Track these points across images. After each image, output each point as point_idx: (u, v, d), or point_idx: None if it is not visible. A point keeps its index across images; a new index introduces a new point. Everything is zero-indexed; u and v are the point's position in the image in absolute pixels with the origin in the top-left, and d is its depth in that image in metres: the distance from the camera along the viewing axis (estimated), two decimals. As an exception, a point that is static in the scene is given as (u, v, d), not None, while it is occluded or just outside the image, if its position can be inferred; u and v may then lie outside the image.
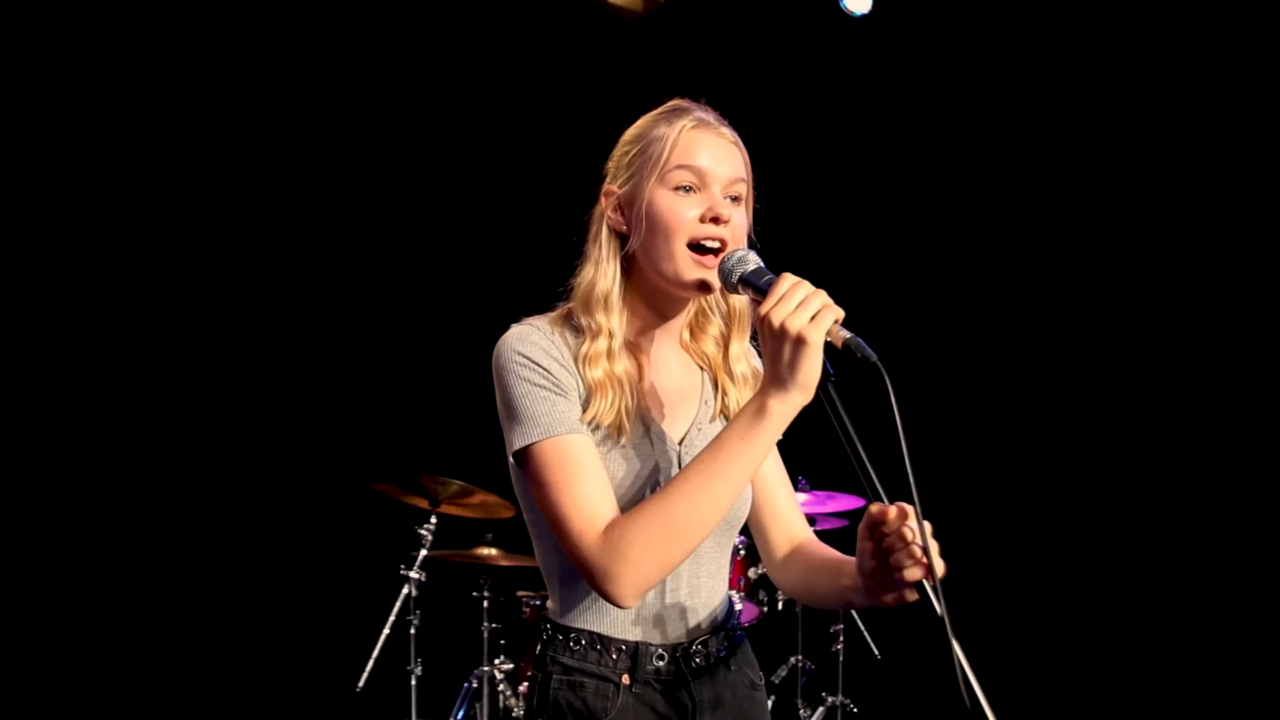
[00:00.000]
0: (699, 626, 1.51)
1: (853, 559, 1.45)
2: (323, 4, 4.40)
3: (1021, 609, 4.61)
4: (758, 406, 1.25)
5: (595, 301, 1.45)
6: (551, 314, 1.51)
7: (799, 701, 4.12)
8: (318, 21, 4.40)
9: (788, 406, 1.24)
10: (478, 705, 3.79)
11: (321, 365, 4.55)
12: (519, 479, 1.47)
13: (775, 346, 1.22)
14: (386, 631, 3.75)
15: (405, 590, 3.78)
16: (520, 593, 3.82)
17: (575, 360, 1.43)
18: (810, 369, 1.20)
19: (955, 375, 4.84)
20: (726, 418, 1.58)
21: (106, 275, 4.23)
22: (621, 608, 1.34)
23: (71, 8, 4.00)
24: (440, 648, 3.97)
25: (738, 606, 3.69)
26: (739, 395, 1.57)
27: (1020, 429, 4.77)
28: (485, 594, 3.84)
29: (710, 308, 1.60)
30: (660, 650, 1.47)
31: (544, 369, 1.39)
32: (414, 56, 4.56)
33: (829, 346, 1.21)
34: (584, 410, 1.40)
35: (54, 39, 3.98)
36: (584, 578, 1.32)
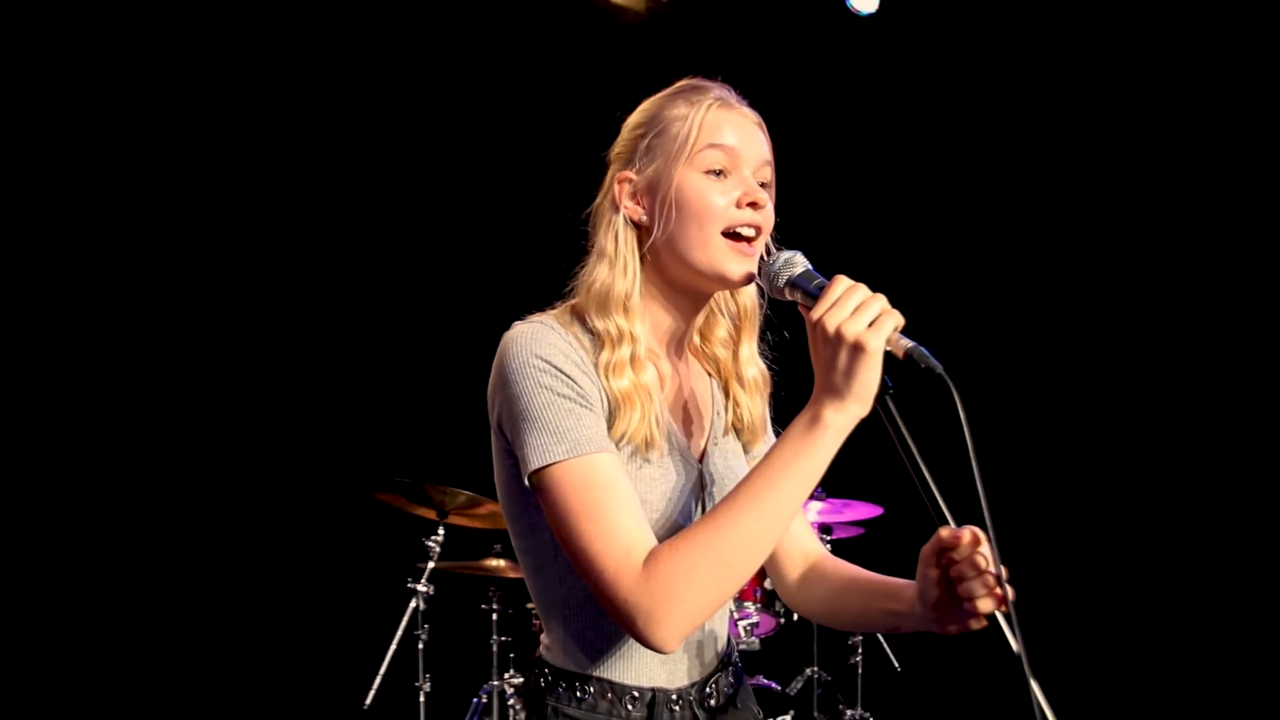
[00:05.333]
0: (710, 662, 1.39)
1: (894, 580, 1.35)
2: (326, 5, 4.33)
3: (1085, 628, 4.49)
4: (811, 418, 1.14)
5: (614, 303, 1.30)
6: (555, 312, 1.35)
7: (816, 714, 4.02)
8: (319, 22, 4.34)
9: (845, 418, 1.12)
10: (487, 720, 3.70)
11: (326, 374, 4.47)
12: (516, 499, 1.31)
13: (830, 353, 1.11)
14: (394, 647, 3.66)
15: (413, 604, 3.69)
16: (530, 605, 3.72)
17: (595, 367, 1.28)
18: (869, 378, 1.10)
19: (1002, 386, 4.72)
20: (739, 430, 1.46)
21: (115, 283, 4.16)
22: (662, 652, 1.18)
23: (72, 8, 3.93)
24: (449, 662, 3.88)
25: (754, 619, 3.61)
26: (751, 403, 1.45)
27: (1079, 442, 4.65)
28: (494, 607, 3.74)
29: (718, 309, 1.47)
30: (675, 695, 1.33)
31: (567, 376, 1.23)
32: (412, 59, 4.49)
33: (887, 356, 1.11)
34: (611, 426, 1.25)
35: (54, 39, 3.92)
36: (618, 621, 1.17)
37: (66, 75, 3.96)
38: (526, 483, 1.23)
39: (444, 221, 4.56)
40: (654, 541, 1.19)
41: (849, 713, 3.95)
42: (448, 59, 4.54)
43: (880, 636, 4.29)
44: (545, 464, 1.19)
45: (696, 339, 1.48)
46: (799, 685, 4.10)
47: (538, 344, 1.24)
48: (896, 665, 4.29)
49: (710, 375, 1.49)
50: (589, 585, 1.20)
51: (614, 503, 1.18)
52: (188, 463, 4.27)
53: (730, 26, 4.71)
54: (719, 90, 1.34)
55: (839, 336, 1.10)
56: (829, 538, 4.05)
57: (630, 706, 1.30)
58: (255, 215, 4.37)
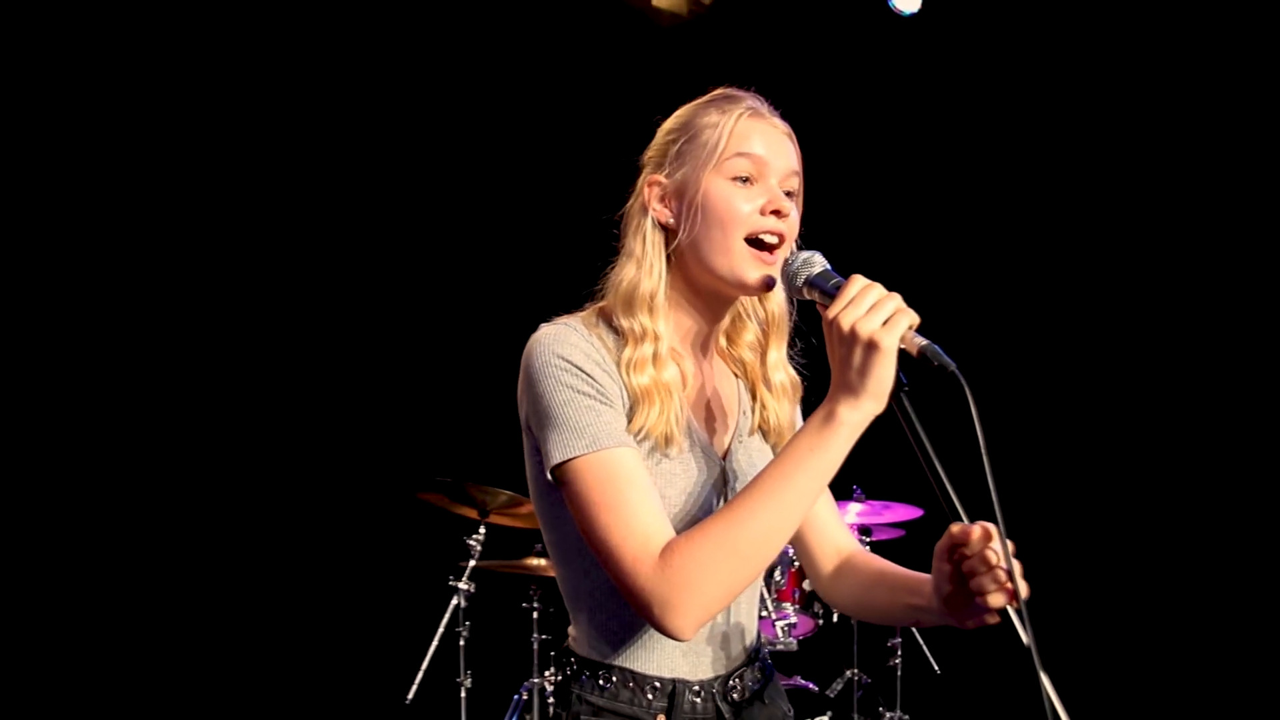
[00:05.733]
0: (736, 657, 1.41)
1: (918, 575, 1.37)
2: (364, 7, 4.40)
3: (1102, 625, 4.47)
4: (826, 414, 1.17)
5: (639, 302, 1.34)
6: (583, 313, 1.39)
7: (855, 716, 4.01)
8: (363, 24, 4.40)
9: (859, 415, 1.15)
10: (528, 717, 3.73)
11: (370, 375, 4.55)
12: (545, 494, 1.35)
13: (845, 351, 1.14)
14: (435, 643, 3.71)
15: (454, 601, 3.73)
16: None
17: (617, 365, 1.32)
18: (883, 376, 1.12)
19: (1019, 384, 4.70)
20: (765, 432, 1.48)
21: (155, 287, 4.27)
22: (679, 640, 1.22)
23: (72, 8, 3.99)
24: (490, 659, 3.93)
25: (792, 620, 3.61)
26: (778, 407, 1.48)
27: (1097, 439, 4.62)
28: (535, 605, 3.79)
29: (746, 314, 1.50)
30: (697, 687, 1.36)
31: (587, 374, 1.27)
32: (457, 65, 4.56)
33: (902, 354, 1.13)
34: (630, 421, 1.29)
35: (54, 39, 3.99)
36: (637, 609, 1.21)
37: (67, 76, 4.04)
38: (549, 477, 1.28)
39: (488, 225, 4.61)
40: (672, 533, 1.22)
41: (888, 714, 3.93)
42: (499, 65, 4.59)
43: (919, 637, 4.27)
44: (566, 459, 1.24)
45: (723, 341, 1.51)
46: (839, 687, 4.10)
47: (559, 344, 1.28)
48: (936, 667, 4.27)
49: (737, 377, 1.51)
50: (609, 575, 1.24)
51: (632, 495, 1.22)
52: (233, 465, 4.38)
53: (769, 28, 4.72)
54: (752, 100, 1.38)
55: (853, 334, 1.12)
56: (868, 539, 4.04)
57: (651, 696, 1.34)
58: (305, 220, 4.46)
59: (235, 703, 4.26)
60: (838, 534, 1.57)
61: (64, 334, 4.13)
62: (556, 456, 1.25)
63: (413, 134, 4.56)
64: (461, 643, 3.73)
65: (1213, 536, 4.38)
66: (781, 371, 1.49)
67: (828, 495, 1.57)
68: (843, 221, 4.59)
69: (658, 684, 1.34)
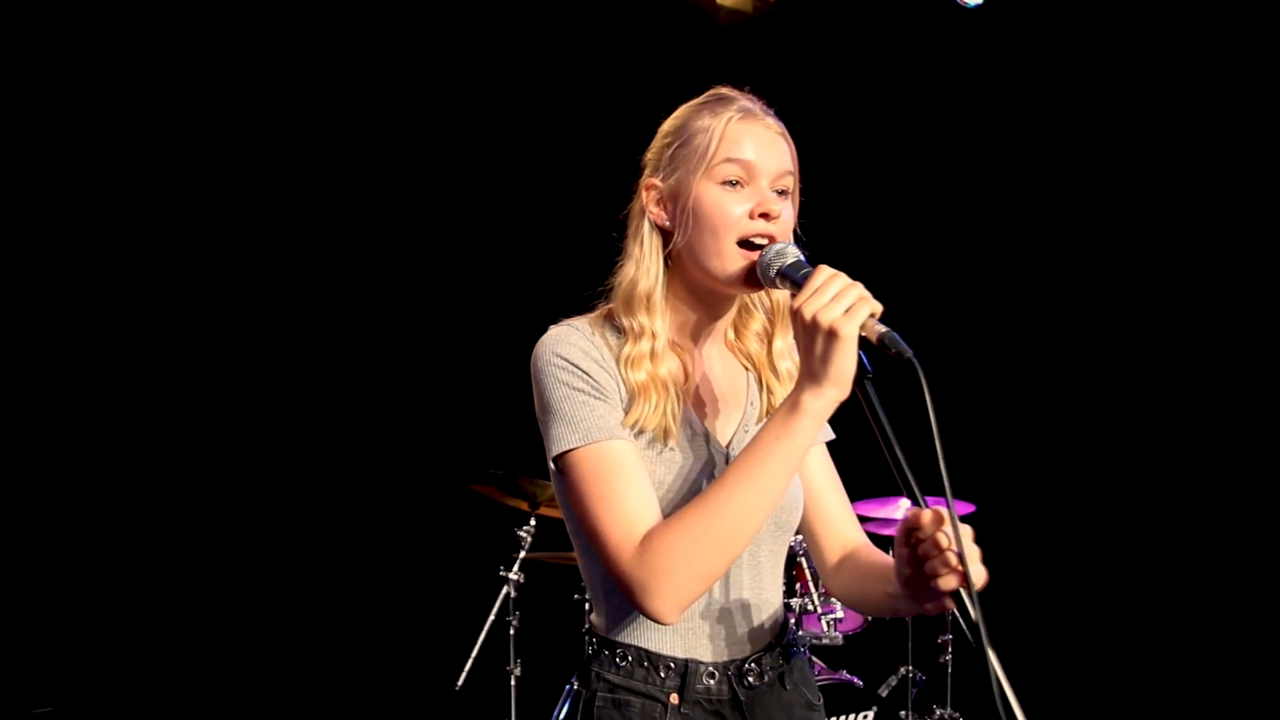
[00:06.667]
0: (753, 641, 1.44)
1: (891, 563, 1.38)
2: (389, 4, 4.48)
3: (1066, 612, 4.48)
4: (792, 403, 1.21)
5: (637, 301, 1.40)
6: (592, 314, 1.47)
7: (902, 713, 3.97)
8: (387, 22, 4.47)
9: (822, 402, 1.19)
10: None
11: (427, 370, 4.65)
12: (559, 487, 1.42)
13: (808, 340, 1.17)
14: (485, 631, 3.78)
15: (504, 591, 3.80)
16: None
17: (617, 362, 1.38)
18: (843, 364, 1.16)
19: (1009, 375, 4.73)
20: None
21: (203, 283, 4.39)
22: (662, 624, 1.29)
23: (72, 8, 4.07)
24: (541, 649, 3.99)
25: (838, 614, 3.60)
26: (785, 393, 1.48)
27: (1064, 427, 4.64)
28: (585, 596, 3.84)
29: (753, 304, 1.54)
30: (711, 668, 1.40)
31: (583, 371, 1.35)
32: (513, 62, 4.62)
33: (868, 343, 1.16)
34: (626, 414, 1.35)
35: (54, 39, 4.06)
36: (623, 592, 1.27)
37: (67, 76, 4.11)
38: (552, 467, 1.36)
39: (545, 221, 4.67)
40: (658, 521, 1.27)
41: (938, 711, 3.89)
42: (556, 62, 4.65)
43: (969, 634, 4.21)
44: (562, 451, 1.32)
45: (731, 334, 1.55)
46: (893, 683, 4.05)
47: (558, 344, 1.37)
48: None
49: (747, 368, 1.55)
50: (600, 560, 1.30)
51: (621, 484, 1.29)
52: (294, 456, 4.51)
53: (835, 24, 4.70)
54: (744, 101, 1.40)
55: (815, 323, 1.15)
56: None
57: (664, 674, 1.38)
58: (366, 215, 4.58)
59: (290, 689, 4.39)
60: (845, 527, 1.59)
61: (123, 329, 4.27)
62: (554, 449, 1.33)
63: (471, 131, 4.64)
64: (512, 632, 3.80)
65: (1187, 526, 4.40)
66: (787, 359, 1.53)
67: (838, 487, 1.59)
68: (906, 220, 4.63)
69: (671, 664, 1.38)
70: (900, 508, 3.93)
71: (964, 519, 3.63)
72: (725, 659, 1.41)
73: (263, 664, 4.40)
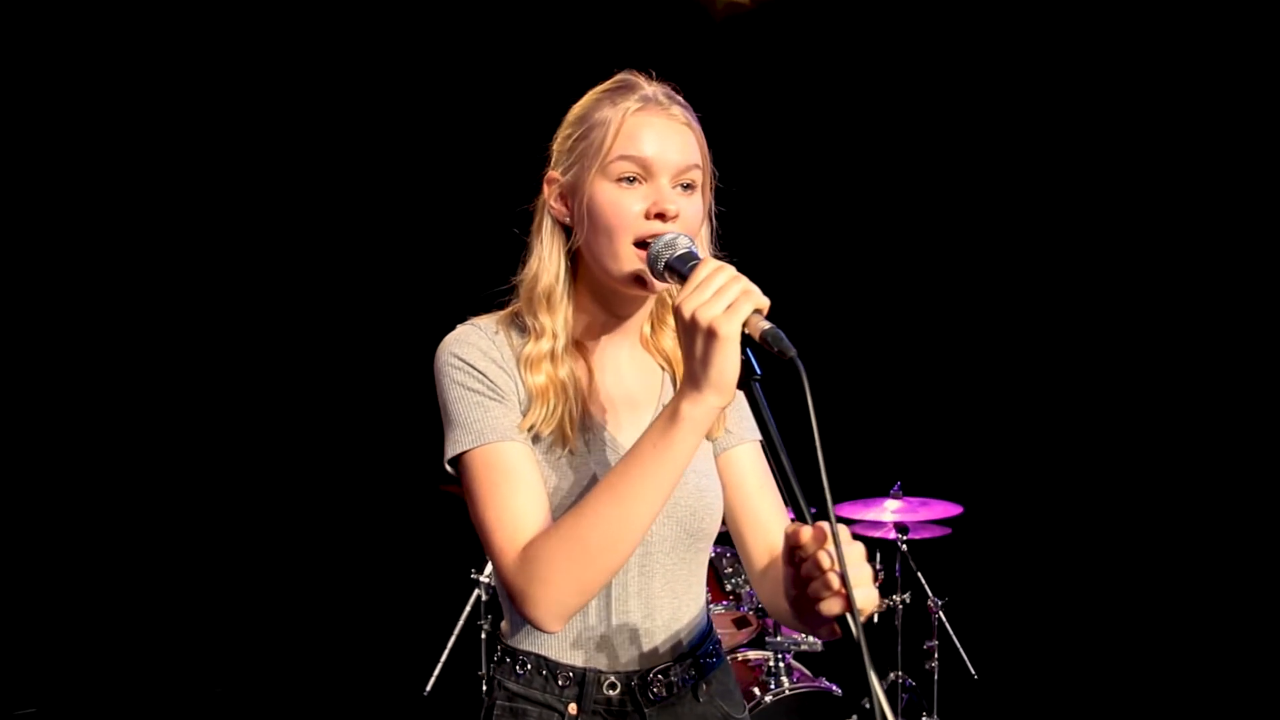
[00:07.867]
0: (657, 652, 1.36)
1: None
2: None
3: (1056, 612, 4.43)
4: (671, 412, 1.12)
5: (538, 299, 1.33)
6: (500, 313, 1.39)
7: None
8: (387, 23, 4.42)
9: (701, 409, 1.10)
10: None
11: (393, 369, 4.55)
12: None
13: (688, 341, 1.08)
14: (455, 635, 3.71)
15: (475, 594, 3.74)
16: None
17: (517, 362, 1.31)
18: (724, 366, 1.06)
19: (999, 377, 4.67)
20: None
21: (177, 291, 4.38)
22: (546, 632, 1.25)
23: (72, 8, 4.05)
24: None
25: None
26: None
27: (1051, 429, 4.61)
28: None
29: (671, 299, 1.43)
30: (612, 678, 1.33)
31: (479, 372, 1.29)
32: (514, 57, 4.55)
33: (756, 341, 1.05)
34: (524, 417, 1.28)
35: (54, 39, 4.05)
36: (510, 598, 1.21)
37: (68, 76, 4.11)
38: (450, 471, 1.31)
39: (507, 218, 4.59)
40: (545, 527, 1.21)
41: (924, 720, 3.79)
42: (551, 56, 4.56)
43: (956, 642, 4.11)
44: (456, 453, 1.27)
45: (647, 330, 1.45)
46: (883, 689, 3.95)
47: (456, 344, 1.33)
48: (973, 673, 4.11)
49: (663, 368, 1.46)
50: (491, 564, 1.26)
51: (509, 487, 1.23)
52: (265, 459, 4.48)
53: (828, 17, 4.61)
54: (647, 89, 1.30)
55: (694, 322, 1.06)
56: (905, 538, 3.89)
57: (562, 683, 1.33)
58: (334, 219, 4.55)
59: (256, 694, 4.33)
60: (774, 533, 1.47)
61: (103, 332, 4.26)
62: (448, 452, 1.28)
63: (467, 130, 4.58)
64: (483, 636, 3.73)
65: (1174, 526, 4.41)
66: None
67: (772, 492, 1.47)
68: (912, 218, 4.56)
69: (571, 673, 1.33)
70: (887, 509, 3.81)
71: (952, 520, 3.49)
72: (628, 669, 1.34)
73: (228, 671, 4.35)
